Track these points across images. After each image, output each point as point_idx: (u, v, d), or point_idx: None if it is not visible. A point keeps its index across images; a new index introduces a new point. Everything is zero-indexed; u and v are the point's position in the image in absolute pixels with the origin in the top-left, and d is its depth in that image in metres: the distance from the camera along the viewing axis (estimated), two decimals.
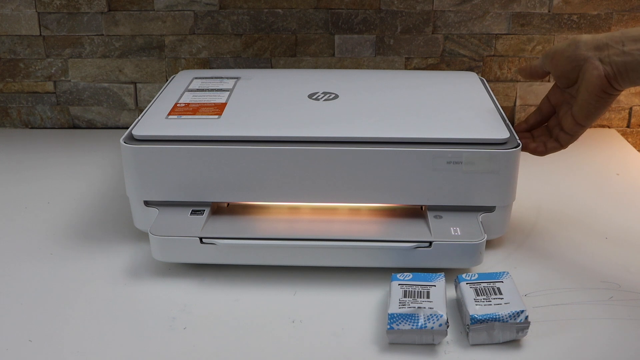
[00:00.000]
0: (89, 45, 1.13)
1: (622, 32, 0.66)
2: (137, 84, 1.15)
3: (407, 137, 0.73)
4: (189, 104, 0.82)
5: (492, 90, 0.91)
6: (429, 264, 0.71)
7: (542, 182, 0.95)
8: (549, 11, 1.08)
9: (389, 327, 0.62)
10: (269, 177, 0.74)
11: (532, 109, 1.17)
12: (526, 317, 0.62)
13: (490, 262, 0.76)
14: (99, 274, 0.75)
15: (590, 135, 1.15)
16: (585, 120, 0.70)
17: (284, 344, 0.64)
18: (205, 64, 1.14)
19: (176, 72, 1.05)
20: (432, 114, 0.80)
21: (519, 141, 0.74)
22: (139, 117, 0.80)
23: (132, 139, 0.75)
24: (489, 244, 0.77)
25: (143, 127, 0.76)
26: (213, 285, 0.73)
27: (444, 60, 1.12)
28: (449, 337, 0.64)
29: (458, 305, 0.68)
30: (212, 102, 0.82)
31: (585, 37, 0.68)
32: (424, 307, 0.63)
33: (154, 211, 0.77)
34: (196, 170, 0.74)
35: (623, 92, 1.14)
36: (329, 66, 1.13)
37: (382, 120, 0.77)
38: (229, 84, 0.89)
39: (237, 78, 0.91)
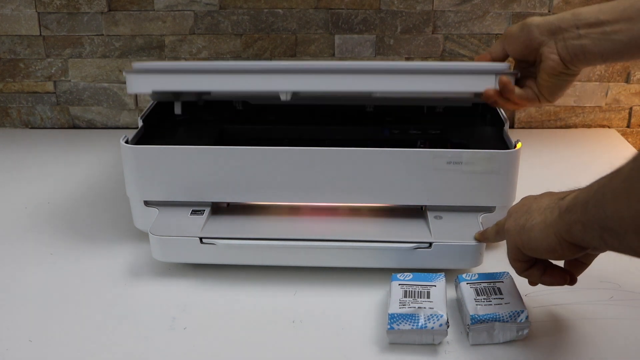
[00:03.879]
0: (89, 45, 1.13)
1: (573, 14, 0.66)
2: None
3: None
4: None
5: None
6: (429, 265, 0.71)
7: (542, 182, 0.95)
8: (549, 11, 1.08)
9: (389, 327, 0.62)
10: (269, 177, 0.74)
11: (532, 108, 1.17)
12: (526, 317, 0.62)
13: (490, 262, 0.76)
14: (99, 274, 0.75)
15: (590, 135, 1.15)
16: (551, 97, 0.70)
17: (284, 344, 0.64)
18: None
19: None
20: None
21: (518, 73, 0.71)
22: None
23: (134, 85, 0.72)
24: (489, 245, 0.77)
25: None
26: (213, 285, 0.73)
27: (444, 60, 1.12)
28: (449, 337, 0.64)
29: (458, 305, 0.68)
30: None
31: (537, 20, 0.68)
32: (424, 307, 0.63)
33: (154, 211, 0.77)
34: (196, 170, 0.74)
35: (623, 92, 1.14)
36: None
37: None
38: None
39: None
